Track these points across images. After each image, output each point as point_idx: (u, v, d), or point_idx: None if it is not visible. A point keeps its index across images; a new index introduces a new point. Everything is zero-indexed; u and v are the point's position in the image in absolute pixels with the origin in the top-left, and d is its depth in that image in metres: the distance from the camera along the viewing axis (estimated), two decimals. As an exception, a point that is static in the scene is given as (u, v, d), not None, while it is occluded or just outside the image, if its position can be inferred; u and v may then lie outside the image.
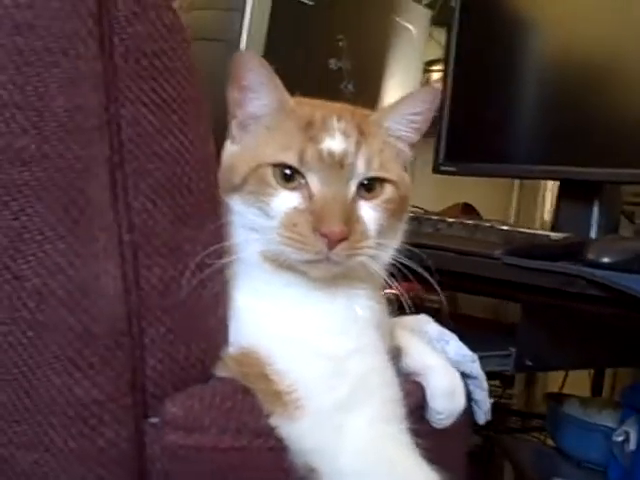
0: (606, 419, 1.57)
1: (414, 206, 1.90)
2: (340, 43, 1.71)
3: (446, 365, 0.90)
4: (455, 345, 0.99)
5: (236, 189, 0.74)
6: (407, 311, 0.83)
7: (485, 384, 1.01)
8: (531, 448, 1.78)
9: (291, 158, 0.72)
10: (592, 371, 1.94)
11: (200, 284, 0.68)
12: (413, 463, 0.71)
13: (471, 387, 1.00)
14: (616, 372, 1.95)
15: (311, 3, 1.62)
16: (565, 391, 1.88)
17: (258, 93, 0.76)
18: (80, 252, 0.60)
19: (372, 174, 0.74)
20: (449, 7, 1.85)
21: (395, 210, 0.77)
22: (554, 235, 1.28)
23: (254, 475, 0.68)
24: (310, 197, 0.72)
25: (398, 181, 0.77)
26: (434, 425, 0.86)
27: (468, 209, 1.84)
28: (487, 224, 1.32)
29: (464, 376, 0.98)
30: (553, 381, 2.11)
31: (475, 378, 1.00)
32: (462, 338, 1.10)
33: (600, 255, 1.13)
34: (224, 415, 0.67)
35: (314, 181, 0.72)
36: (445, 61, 1.79)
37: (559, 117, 1.58)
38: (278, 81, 0.76)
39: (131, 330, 0.64)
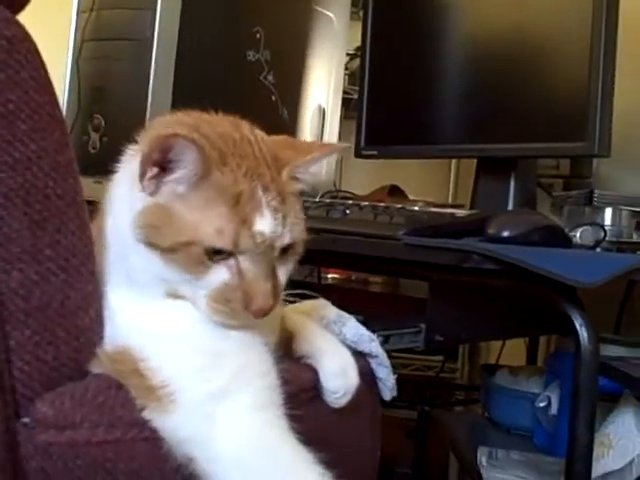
0: (533, 386, 1.61)
1: (343, 190, 1.95)
2: (257, 35, 1.73)
3: (336, 345, 0.93)
4: (352, 326, 1.02)
5: (157, 248, 0.73)
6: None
7: (387, 361, 1.04)
8: (465, 420, 1.83)
9: (226, 243, 0.72)
10: (527, 341, 1.99)
11: (66, 285, 0.70)
12: (288, 446, 0.74)
13: (373, 365, 1.03)
14: (549, 340, 2.00)
15: (224, -4, 1.64)
16: (503, 362, 1.92)
17: (185, 166, 0.72)
18: None
19: (291, 242, 0.77)
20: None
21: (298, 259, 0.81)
22: (459, 212, 1.32)
23: (131, 465, 0.71)
24: (240, 273, 0.73)
25: (304, 233, 0.80)
26: (331, 405, 0.90)
27: (395, 191, 1.87)
28: (397, 206, 1.35)
29: (366, 355, 1.02)
30: (494, 353, 2.16)
31: (376, 356, 1.03)
32: (375, 317, 1.14)
33: (500, 230, 1.17)
34: (96, 410, 0.69)
35: (245, 261, 0.74)
36: (362, 45, 1.81)
37: (474, 96, 1.62)
38: (203, 154, 0.72)
39: (-6, 335, 0.66)
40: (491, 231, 1.17)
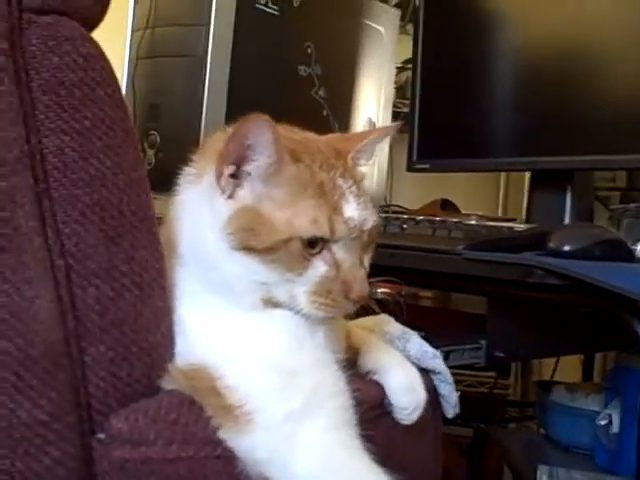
0: (592, 404, 1.58)
1: (394, 205, 1.94)
2: (308, 50, 1.74)
3: (401, 361, 0.93)
4: (416, 342, 1.01)
5: (254, 250, 0.74)
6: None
7: (450, 378, 1.03)
8: (521, 437, 1.80)
9: (324, 232, 0.74)
10: (582, 357, 1.95)
11: (139, 301, 0.70)
12: (364, 467, 0.73)
13: (436, 382, 1.02)
14: (605, 356, 1.96)
15: (276, 13, 1.64)
16: (557, 378, 1.89)
17: (265, 155, 0.73)
18: (10, 279, 0.62)
19: (374, 224, 0.79)
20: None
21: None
22: (518, 226, 1.30)
23: (204, 483, 0.70)
24: (336, 264, 0.75)
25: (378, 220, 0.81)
26: (402, 421, 0.90)
27: (447, 205, 1.85)
28: (454, 220, 1.34)
29: (429, 372, 1.01)
30: (547, 369, 2.12)
31: (439, 373, 1.02)
32: (433, 333, 1.12)
33: (561, 244, 1.14)
34: (169, 427, 0.69)
35: (339, 249, 0.75)
36: (413, 58, 1.81)
37: (527, 108, 1.60)
38: (280, 144, 0.73)
39: (70, 351, 0.66)
40: (552, 245, 1.15)
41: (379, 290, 2.14)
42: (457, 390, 1.04)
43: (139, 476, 0.68)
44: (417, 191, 2.27)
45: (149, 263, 0.72)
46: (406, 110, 2.14)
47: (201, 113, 1.51)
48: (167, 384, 0.74)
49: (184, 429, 0.70)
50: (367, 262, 0.80)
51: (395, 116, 2.11)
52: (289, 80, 1.71)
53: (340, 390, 0.78)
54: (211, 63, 1.52)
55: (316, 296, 0.75)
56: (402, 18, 2.15)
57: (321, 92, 1.77)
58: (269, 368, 0.74)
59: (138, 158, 0.71)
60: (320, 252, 0.75)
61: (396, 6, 2.01)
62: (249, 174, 0.75)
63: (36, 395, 0.64)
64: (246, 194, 0.75)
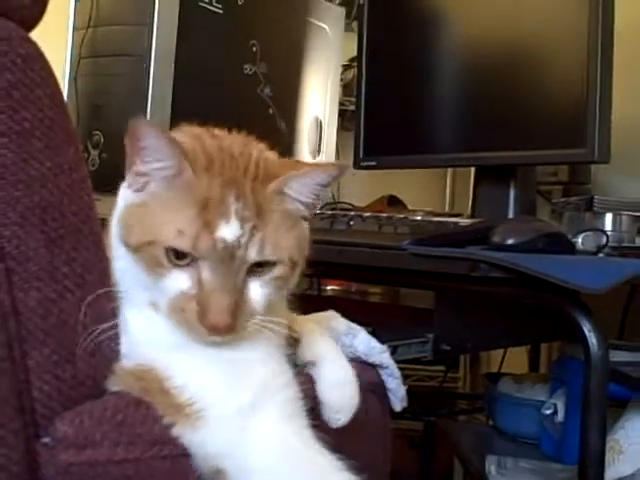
0: (538, 394, 1.62)
1: (342, 202, 1.95)
2: (253, 48, 1.73)
3: (338, 357, 0.91)
4: (363, 338, 1.02)
5: (129, 248, 0.73)
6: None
7: (397, 372, 1.04)
8: (470, 429, 1.82)
9: (185, 245, 0.70)
10: (529, 348, 1.99)
11: (83, 302, 0.70)
12: (318, 455, 0.74)
13: (384, 377, 1.03)
14: (551, 347, 2.00)
15: (220, 11, 1.64)
16: (505, 370, 1.92)
17: (158, 160, 0.72)
18: (-50, 283, 0.62)
19: (263, 259, 0.73)
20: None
21: (285, 283, 0.77)
22: (463, 221, 1.32)
23: (151, 484, 0.70)
24: (199, 283, 0.71)
25: (291, 256, 0.75)
26: (330, 424, 0.86)
27: (394, 201, 1.87)
28: (400, 216, 1.36)
29: (377, 367, 1.02)
30: (495, 361, 2.16)
31: (387, 368, 1.03)
32: (380, 328, 1.13)
33: (504, 238, 1.17)
34: (115, 428, 0.69)
35: (205, 268, 0.71)
36: (358, 56, 1.82)
37: (471, 105, 1.63)
38: (179, 151, 0.71)
39: (13, 355, 0.65)
40: (496, 239, 1.18)
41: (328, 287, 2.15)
42: (406, 384, 1.05)
43: (86, 478, 0.68)
44: (365, 188, 2.28)
45: (92, 264, 0.71)
46: (352, 108, 2.15)
47: (145, 113, 1.50)
48: (113, 385, 0.73)
49: (130, 430, 0.69)
50: (256, 294, 0.74)
51: (341, 114, 2.12)
52: (234, 78, 1.70)
53: (288, 381, 0.78)
54: (155, 62, 1.51)
55: (170, 311, 0.72)
56: (348, 16, 2.16)
57: (267, 90, 1.77)
58: (216, 364, 0.74)
59: (79, 159, 0.70)
60: (186, 266, 0.71)
61: (340, 4, 2.02)
62: (145, 174, 0.73)
63: (-22, 401, 0.63)
64: (144, 191, 0.74)
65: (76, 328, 0.69)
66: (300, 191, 0.76)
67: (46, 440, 0.68)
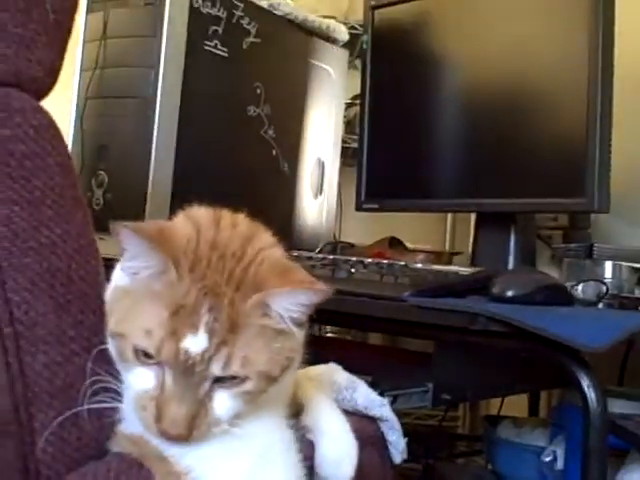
0: (538, 439, 1.61)
1: (343, 241, 1.96)
2: (257, 90, 1.76)
3: (339, 430, 0.89)
4: (363, 391, 1.02)
5: (107, 331, 0.72)
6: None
7: (397, 425, 1.05)
8: (469, 472, 1.82)
9: (150, 348, 0.68)
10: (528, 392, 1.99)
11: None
12: None
13: (384, 429, 1.04)
14: (550, 393, 2.00)
15: (225, 55, 1.66)
16: (505, 412, 1.92)
17: (138, 260, 0.70)
18: (-40, 350, 0.63)
19: (227, 374, 0.70)
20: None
21: (257, 397, 0.73)
22: (463, 270, 1.33)
23: None
24: (161, 386, 0.69)
25: (265, 371, 0.72)
26: None
27: (395, 242, 1.89)
28: (401, 263, 1.37)
29: (377, 420, 1.02)
30: (495, 402, 2.16)
31: (387, 420, 1.04)
32: (380, 376, 1.14)
33: (504, 290, 1.18)
34: (119, 491, 0.70)
35: (168, 375, 0.69)
36: (361, 99, 1.84)
37: (472, 150, 1.65)
38: (160, 252, 0.69)
39: (19, 417, 0.66)
40: (495, 291, 1.19)
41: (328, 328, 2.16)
42: (405, 429, 1.05)
43: (87, 541, 0.68)
44: (365, 226, 2.29)
45: (98, 327, 0.72)
46: (354, 145, 2.17)
47: (150, 154, 1.52)
48: (115, 446, 0.74)
49: (133, 493, 0.70)
50: (220, 406, 0.71)
51: (344, 150, 2.14)
52: (238, 120, 1.73)
53: (291, 454, 0.77)
54: (160, 104, 1.53)
55: (135, 404, 0.71)
56: (351, 54, 2.18)
57: (270, 132, 1.79)
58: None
59: (87, 224, 0.71)
60: (153, 365, 0.69)
61: (344, 46, 2.04)
62: (131, 267, 0.71)
63: (-17, 464, 0.64)
64: (132, 277, 0.72)
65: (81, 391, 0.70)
66: (283, 307, 0.72)
67: (49, 502, 0.68)
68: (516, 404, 1.99)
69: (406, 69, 1.78)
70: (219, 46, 1.65)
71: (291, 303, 0.72)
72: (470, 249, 2.42)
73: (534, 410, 2.00)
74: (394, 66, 1.80)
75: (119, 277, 0.73)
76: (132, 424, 0.74)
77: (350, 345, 1.92)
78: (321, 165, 1.95)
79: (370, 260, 1.40)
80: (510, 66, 1.60)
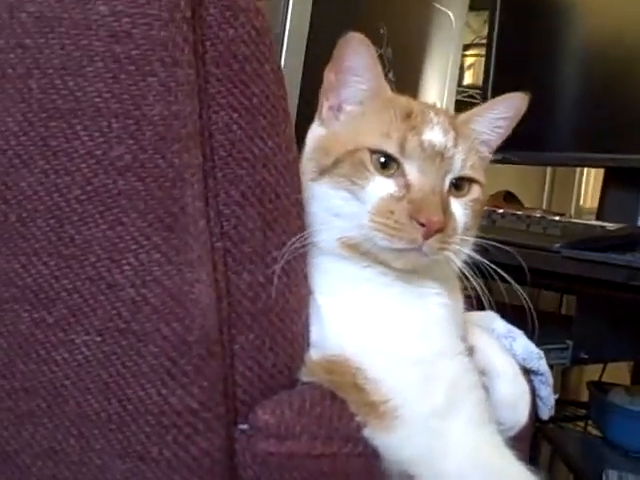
0: (652, 407, 1.55)
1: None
2: (381, 31, 1.69)
3: (514, 373, 0.86)
4: (522, 342, 0.98)
5: (325, 171, 0.74)
6: (487, 307, 0.82)
7: (551, 380, 1.00)
8: (576, 438, 1.77)
9: (392, 146, 0.72)
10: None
11: (287, 289, 0.67)
12: (511, 464, 0.71)
13: (536, 383, 0.99)
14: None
15: (351, -9, 1.61)
16: (603, 380, 1.86)
17: (361, 77, 0.75)
18: (174, 260, 0.59)
19: (465, 173, 0.75)
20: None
21: (479, 210, 0.77)
22: (608, 225, 1.27)
23: (344, 481, 0.68)
24: (407, 186, 0.71)
25: (484, 183, 0.77)
26: None
27: (510, 197, 1.82)
28: (537, 215, 1.31)
29: (531, 372, 0.98)
30: (589, 369, 2.09)
31: (542, 374, 0.99)
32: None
33: (660, 245, 1.12)
34: (314, 421, 0.66)
35: (413, 170, 0.72)
36: (487, 47, 1.77)
37: (602, 104, 1.57)
38: (380, 68, 0.76)
39: (222, 338, 0.63)
40: (650, 247, 1.13)
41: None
42: (556, 392, 1.01)
43: (281, 471, 0.65)
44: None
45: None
46: (459, 98, 2.11)
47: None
48: (304, 376, 0.70)
49: (328, 424, 0.67)
50: (458, 211, 0.75)
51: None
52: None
53: (476, 383, 0.75)
54: (288, 39, 1.49)
55: (377, 215, 0.71)
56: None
57: (390, 75, 1.73)
58: (410, 359, 0.70)
59: (293, 138, 0.67)
60: (390, 176, 0.72)
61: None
62: (341, 102, 0.77)
63: (189, 382, 0.61)
64: (336, 121, 0.77)
65: (280, 315, 0.66)
66: (485, 127, 0.80)
67: (244, 427, 0.66)
68: (615, 372, 1.92)
69: (534, 16, 1.70)
70: (346, -18, 1.59)
71: (491, 121, 0.80)
72: (572, 210, 2.35)
73: (638, 378, 1.94)
74: (521, 12, 1.73)
75: (317, 133, 0.79)
76: (324, 346, 0.70)
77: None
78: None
79: (503, 210, 1.34)
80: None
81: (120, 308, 0.60)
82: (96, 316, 0.60)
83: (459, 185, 0.75)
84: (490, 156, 0.82)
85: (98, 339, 0.60)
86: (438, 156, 0.72)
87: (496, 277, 0.76)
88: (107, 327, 0.60)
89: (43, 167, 0.57)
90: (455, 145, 0.74)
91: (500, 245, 0.78)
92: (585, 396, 1.84)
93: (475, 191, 0.77)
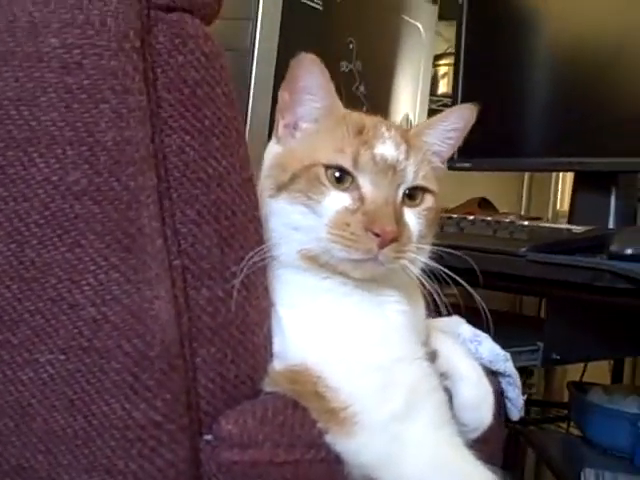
0: (631, 406, 1.57)
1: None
2: (350, 45, 1.73)
3: (477, 375, 0.89)
4: (488, 345, 1.00)
5: (283, 187, 0.76)
6: (443, 313, 0.84)
7: (518, 381, 1.03)
8: (557, 438, 1.79)
9: (346, 161, 0.75)
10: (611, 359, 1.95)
11: (247, 302, 0.69)
12: (471, 464, 0.73)
13: (504, 385, 1.01)
14: (635, 359, 1.96)
15: (320, 8, 1.63)
16: (585, 379, 1.89)
17: (315, 95, 0.79)
18: (133, 279, 0.62)
19: (417, 183, 0.78)
20: (454, 2, 1.86)
21: (432, 219, 0.80)
22: (575, 228, 1.30)
23: (307, 487, 0.70)
24: (361, 199, 0.74)
25: (437, 192, 0.80)
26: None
27: (485, 204, 1.85)
28: (507, 220, 1.34)
29: (498, 374, 1.00)
30: (572, 370, 2.12)
31: (509, 376, 1.01)
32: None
33: (623, 247, 1.14)
34: (277, 430, 0.69)
35: (366, 183, 0.75)
36: (455, 56, 1.80)
37: (570, 108, 1.59)
38: (332, 86, 0.80)
39: (184, 352, 0.65)
40: (614, 248, 1.15)
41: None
42: (525, 393, 1.03)
43: (246, 479, 0.67)
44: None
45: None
46: (434, 107, 2.13)
47: (247, 108, 1.50)
48: (267, 386, 0.73)
49: (290, 432, 0.69)
50: (411, 220, 0.78)
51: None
52: (331, 76, 1.69)
53: (436, 386, 0.77)
54: (258, 57, 1.51)
55: (334, 228, 0.73)
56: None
57: (361, 88, 1.76)
58: (369, 366, 0.73)
59: (247, 158, 0.70)
60: (345, 189, 0.75)
61: (434, 2, 2.00)
62: (297, 120, 0.80)
63: (152, 396, 0.64)
64: (292, 139, 0.80)
65: (241, 327, 0.69)
66: (436, 138, 0.83)
67: (209, 438, 0.68)
68: (596, 372, 1.95)
69: (500, 24, 1.73)
70: (315, -1, 1.62)
71: (441, 133, 0.83)
72: (549, 215, 2.37)
73: (617, 377, 1.96)
74: (488, 21, 1.76)
75: (274, 151, 0.81)
76: (286, 357, 0.73)
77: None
78: (409, 122, 1.92)
79: (474, 217, 1.37)
80: (610, 17, 1.53)
81: (82, 327, 0.62)
82: (59, 335, 0.62)
83: (412, 195, 0.78)
84: (443, 166, 0.84)
85: (62, 357, 0.63)
86: (390, 169, 0.75)
87: (450, 281, 0.78)
88: (70, 346, 0.62)
89: (2, 194, 0.60)
90: (407, 157, 0.77)
91: (452, 251, 0.80)
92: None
93: (428, 200, 0.79)
